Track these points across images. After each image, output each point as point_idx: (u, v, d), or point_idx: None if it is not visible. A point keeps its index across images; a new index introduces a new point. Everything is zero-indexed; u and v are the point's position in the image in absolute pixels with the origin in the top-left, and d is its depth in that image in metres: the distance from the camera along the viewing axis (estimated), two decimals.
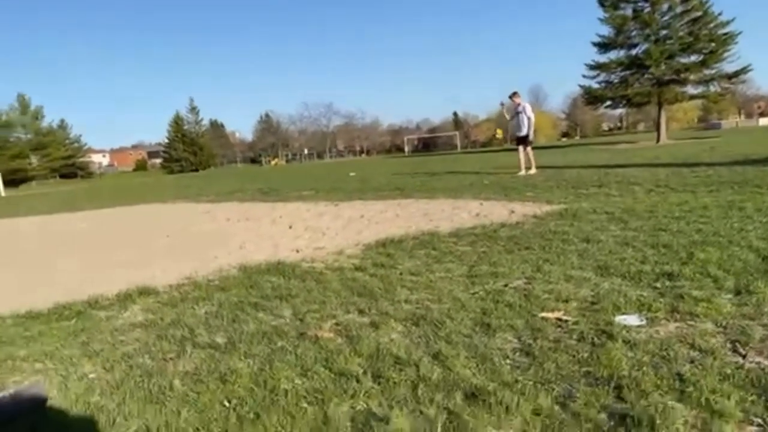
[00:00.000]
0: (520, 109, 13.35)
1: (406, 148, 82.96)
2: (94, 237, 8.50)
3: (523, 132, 13.34)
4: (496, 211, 6.92)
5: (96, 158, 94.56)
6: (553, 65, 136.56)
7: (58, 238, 8.89)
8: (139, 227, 9.33)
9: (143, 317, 3.61)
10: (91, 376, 2.70)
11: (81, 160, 77.84)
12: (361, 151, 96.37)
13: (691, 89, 30.57)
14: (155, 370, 2.67)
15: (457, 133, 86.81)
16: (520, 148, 13.49)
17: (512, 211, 6.79)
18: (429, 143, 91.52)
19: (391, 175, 17.07)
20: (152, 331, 3.29)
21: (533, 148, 13.57)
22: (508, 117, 13.88)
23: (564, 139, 73.85)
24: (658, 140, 28.82)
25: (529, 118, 13.30)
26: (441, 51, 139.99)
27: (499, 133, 13.48)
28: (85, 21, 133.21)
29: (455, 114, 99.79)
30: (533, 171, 12.83)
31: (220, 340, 3.04)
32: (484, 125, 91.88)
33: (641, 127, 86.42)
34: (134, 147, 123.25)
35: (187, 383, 2.50)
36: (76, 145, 77.48)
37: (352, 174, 20.26)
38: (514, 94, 13.53)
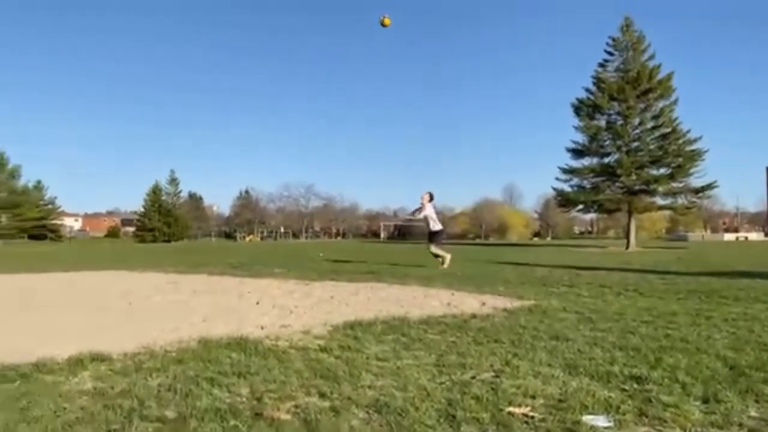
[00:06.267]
0: (426, 211, 13.36)
1: (382, 234, 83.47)
2: (52, 298, 8.19)
3: (436, 227, 13.37)
4: (468, 302, 6.88)
5: (68, 221, 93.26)
6: (528, 165, 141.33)
7: (11, 296, 8.54)
8: (101, 292, 9.04)
9: (92, 384, 3.41)
10: None
11: (53, 222, 76.52)
12: (338, 234, 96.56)
13: (660, 200, 31.67)
14: None
15: None
16: (432, 245, 13.49)
17: (483, 303, 6.75)
18: (405, 231, 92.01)
19: (365, 259, 17.03)
20: (99, 400, 3.10)
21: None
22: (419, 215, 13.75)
23: (536, 239, 75.05)
24: (627, 246, 29.45)
25: (427, 215, 13.35)
26: (422, 145, 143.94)
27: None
28: (71, 88, 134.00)
29: None
30: (446, 265, 12.74)
31: (170, 414, 2.87)
32: (460, 218, 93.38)
33: (611, 233, 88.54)
34: (109, 213, 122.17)
35: None
36: (50, 206, 76.37)
37: (320, 254, 20.18)
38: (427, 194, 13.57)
